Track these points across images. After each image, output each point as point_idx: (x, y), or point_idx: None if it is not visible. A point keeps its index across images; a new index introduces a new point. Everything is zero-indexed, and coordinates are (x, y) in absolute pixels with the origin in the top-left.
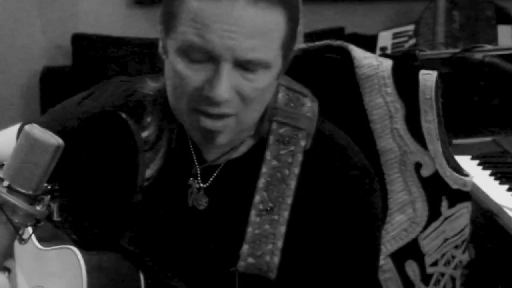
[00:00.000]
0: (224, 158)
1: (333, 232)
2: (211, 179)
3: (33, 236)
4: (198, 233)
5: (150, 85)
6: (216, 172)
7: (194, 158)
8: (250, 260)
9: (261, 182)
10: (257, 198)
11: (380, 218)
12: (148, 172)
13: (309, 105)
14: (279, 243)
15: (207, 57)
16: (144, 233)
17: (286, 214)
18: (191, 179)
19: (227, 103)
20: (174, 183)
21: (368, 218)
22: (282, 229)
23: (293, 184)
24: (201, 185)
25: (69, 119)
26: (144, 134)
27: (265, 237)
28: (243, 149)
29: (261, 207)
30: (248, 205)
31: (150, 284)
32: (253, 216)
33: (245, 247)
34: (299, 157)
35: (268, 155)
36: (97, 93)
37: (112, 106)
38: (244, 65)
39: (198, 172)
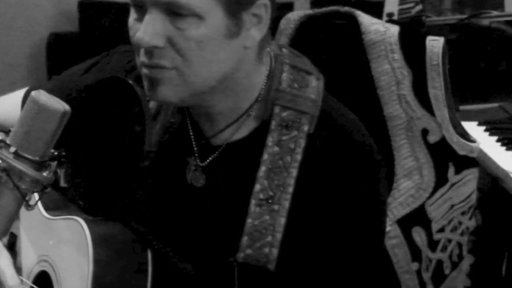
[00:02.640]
0: (223, 138)
1: (335, 222)
2: (210, 158)
3: (40, 205)
4: (195, 211)
5: None
6: (216, 153)
7: (192, 135)
8: (249, 251)
9: (262, 170)
10: (257, 187)
11: (385, 205)
12: (146, 148)
13: (314, 85)
14: (279, 235)
15: (142, 4)
16: (144, 208)
17: (286, 204)
18: (189, 156)
19: (159, 54)
20: (173, 159)
21: (372, 209)
22: (282, 220)
23: (294, 172)
24: (199, 163)
25: (74, 87)
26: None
27: (264, 229)
28: (244, 132)
29: (261, 196)
30: (248, 191)
31: (155, 256)
32: (252, 206)
33: (244, 239)
34: (302, 143)
35: (269, 141)
36: (101, 64)
37: None
38: (171, 10)
39: (195, 149)
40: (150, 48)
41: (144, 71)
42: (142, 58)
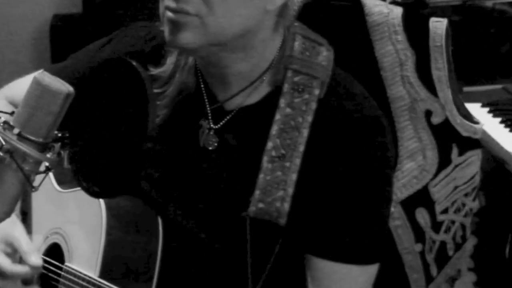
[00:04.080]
0: (236, 103)
1: (344, 181)
2: (223, 121)
3: (52, 179)
4: (207, 173)
5: None
6: (229, 116)
7: (205, 98)
8: (261, 205)
9: (274, 129)
10: (269, 144)
11: (392, 168)
12: (160, 110)
13: (325, 54)
14: (290, 190)
15: None
16: (156, 171)
17: (298, 161)
18: (203, 119)
19: (184, 0)
20: (186, 123)
21: (379, 168)
22: (294, 176)
23: (305, 132)
24: (212, 125)
25: (87, 66)
26: (159, 69)
27: (276, 184)
28: (257, 96)
29: (273, 153)
30: (260, 151)
31: (166, 225)
32: (265, 162)
33: (256, 193)
34: (313, 105)
35: (282, 102)
36: (117, 39)
37: (132, 52)
38: None
39: (209, 112)
40: None
41: (168, 14)
42: (167, 2)
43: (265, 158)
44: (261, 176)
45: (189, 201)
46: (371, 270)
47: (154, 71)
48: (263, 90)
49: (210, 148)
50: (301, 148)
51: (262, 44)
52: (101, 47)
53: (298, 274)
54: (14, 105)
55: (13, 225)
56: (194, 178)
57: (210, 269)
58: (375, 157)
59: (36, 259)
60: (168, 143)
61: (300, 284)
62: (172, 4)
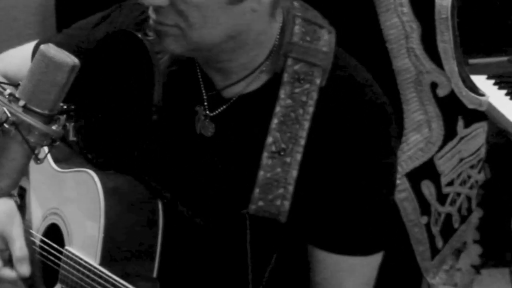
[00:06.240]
0: (235, 92)
1: (346, 175)
2: (220, 109)
3: (49, 158)
4: (205, 161)
5: None
6: (227, 104)
7: (202, 85)
8: (261, 203)
9: (274, 122)
10: (269, 139)
11: (396, 163)
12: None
13: (326, 38)
14: (290, 188)
15: None
16: (153, 158)
17: (298, 156)
18: (198, 105)
19: (163, 12)
20: (181, 109)
21: (383, 162)
22: (294, 173)
23: (306, 124)
24: (208, 112)
25: (85, 40)
26: (153, 37)
27: (276, 181)
28: (256, 85)
29: (273, 148)
30: (259, 142)
31: (166, 207)
32: (265, 158)
33: (256, 191)
34: (314, 95)
35: (282, 93)
36: (111, 17)
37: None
38: None
39: (205, 98)
40: (155, 6)
41: (151, 23)
42: (150, 12)
43: (265, 154)
44: (261, 173)
45: (185, 188)
46: (375, 259)
47: (149, 38)
48: (262, 78)
49: (207, 135)
50: (302, 141)
51: (258, 37)
52: (95, 25)
53: (301, 266)
54: (7, 78)
55: (11, 221)
56: (192, 165)
57: (209, 256)
58: (378, 148)
59: (26, 269)
60: (164, 128)
61: (303, 276)
62: (153, 16)
